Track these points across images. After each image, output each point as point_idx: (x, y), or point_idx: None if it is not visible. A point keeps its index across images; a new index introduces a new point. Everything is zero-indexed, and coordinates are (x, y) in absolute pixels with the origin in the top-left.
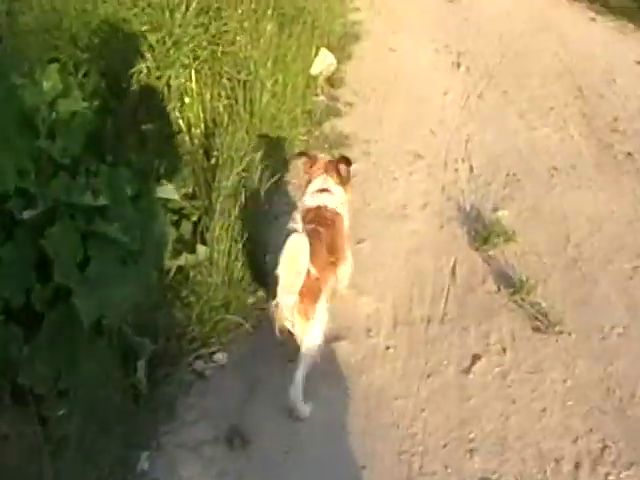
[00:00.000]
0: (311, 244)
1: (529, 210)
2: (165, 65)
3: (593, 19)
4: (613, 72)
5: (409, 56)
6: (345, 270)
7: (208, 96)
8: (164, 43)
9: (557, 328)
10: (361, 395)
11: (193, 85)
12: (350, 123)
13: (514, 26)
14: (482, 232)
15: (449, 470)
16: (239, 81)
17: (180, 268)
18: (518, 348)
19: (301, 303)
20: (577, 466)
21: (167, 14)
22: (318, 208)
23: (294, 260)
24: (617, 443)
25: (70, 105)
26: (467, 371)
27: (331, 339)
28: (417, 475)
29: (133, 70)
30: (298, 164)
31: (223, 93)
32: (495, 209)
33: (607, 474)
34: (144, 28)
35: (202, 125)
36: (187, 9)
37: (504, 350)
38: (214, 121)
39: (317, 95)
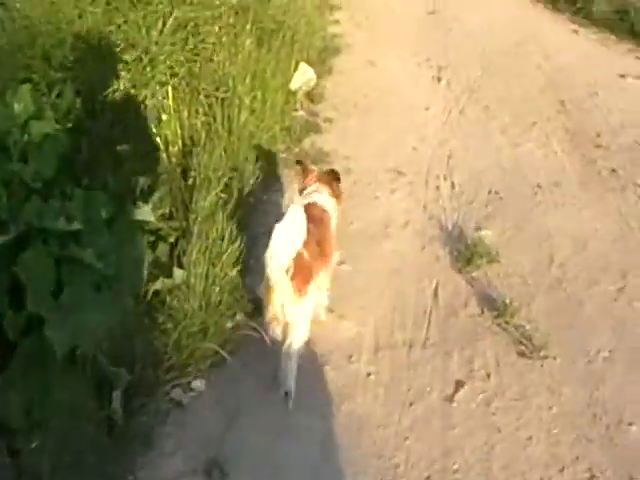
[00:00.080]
0: None
1: (512, 229)
2: (141, 83)
3: (575, 31)
4: (596, 85)
5: (390, 70)
6: (328, 274)
7: (185, 113)
8: (140, 60)
9: (542, 352)
10: (342, 424)
11: (170, 102)
12: (330, 139)
13: (496, 39)
14: (465, 253)
15: None
16: (217, 98)
17: (156, 292)
18: (502, 374)
19: (294, 280)
20: None
21: (143, 31)
22: (308, 205)
23: (291, 229)
24: (604, 472)
25: (42, 127)
26: (450, 398)
27: (312, 365)
28: None
29: (108, 90)
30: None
31: (201, 110)
32: (478, 228)
33: None
34: (120, 46)
35: (180, 142)
36: (164, 25)
37: (488, 376)
38: (192, 138)
39: (296, 110)
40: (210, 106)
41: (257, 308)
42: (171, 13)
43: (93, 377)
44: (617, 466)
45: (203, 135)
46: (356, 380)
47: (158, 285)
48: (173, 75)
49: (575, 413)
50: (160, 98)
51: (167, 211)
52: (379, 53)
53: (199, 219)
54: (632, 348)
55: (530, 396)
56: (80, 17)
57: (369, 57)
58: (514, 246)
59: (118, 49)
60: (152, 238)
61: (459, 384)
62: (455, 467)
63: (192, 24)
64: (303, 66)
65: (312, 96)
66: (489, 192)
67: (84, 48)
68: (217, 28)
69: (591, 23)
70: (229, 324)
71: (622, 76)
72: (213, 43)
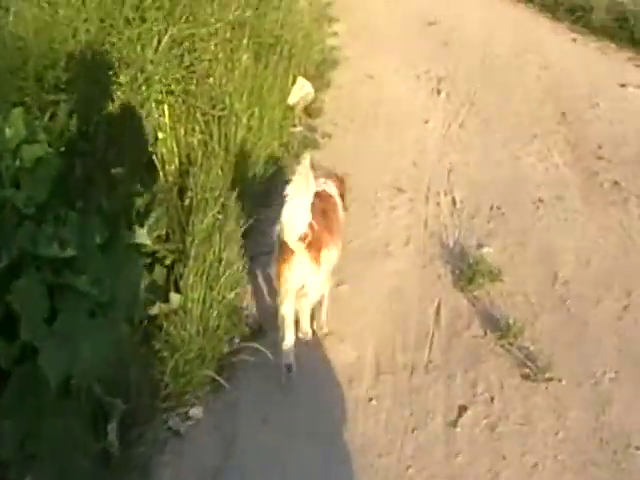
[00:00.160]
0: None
1: (514, 245)
2: (137, 102)
3: (575, 40)
4: (596, 96)
5: (389, 83)
6: (334, 257)
7: (182, 131)
8: (136, 80)
9: (546, 374)
10: (343, 453)
11: (167, 120)
12: (328, 155)
13: (495, 49)
14: (466, 271)
15: None
16: (213, 116)
17: (153, 317)
18: (506, 397)
19: (308, 250)
20: None
21: (139, 49)
22: (317, 192)
23: (302, 189)
24: None
25: (35, 151)
26: (454, 424)
27: (312, 391)
28: None
29: (103, 110)
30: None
31: (197, 128)
32: (479, 245)
33: None
34: (115, 65)
35: (176, 160)
36: (159, 43)
37: (492, 399)
38: (188, 157)
39: (294, 126)
40: (207, 123)
41: (255, 331)
42: (166, 30)
43: (88, 407)
44: None
45: (200, 154)
46: (357, 406)
47: (155, 310)
48: (169, 93)
49: (581, 438)
50: (156, 116)
51: (163, 233)
52: (378, 65)
53: (196, 241)
54: (638, 368)
55: (535, 420)
56: (74, 36)
57: (368, 70)
58: (517, 263)
59: (113, 68)
60: (148, 260)
61: (462, 409)
62: None
63: (188, 41)
64: (301, 80)
65: (310, 111)
66: (490, 207)
67: (78, 68)
68: (213, 45)
69: (590, 31)
70: (227, 349)
71: (623, 85)
72: (209, 60)
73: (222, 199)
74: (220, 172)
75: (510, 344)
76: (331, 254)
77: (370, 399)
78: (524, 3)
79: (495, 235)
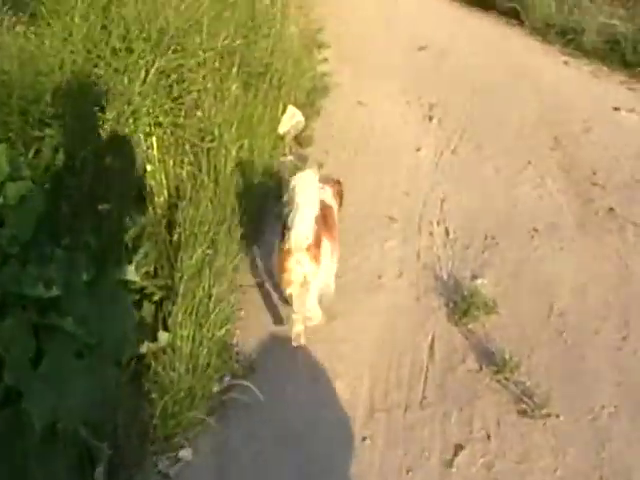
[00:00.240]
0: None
1: (509, 277)
2: (124, 136)
3: (566, 63)
4: (590, 120)
5: (380, 109)
6: (333, 262)
7: (171, 163)
8: (123, 112)
9: (544, 410)
10: None
11: (155, 152)
12: None
13: (486, 74)
14: (461, 304)
15: None
16: (203, 148)
17: (141, 356)
18: (503, 435)
19: (309, 250)
20: None
21: (126, 80)
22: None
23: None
24: None
25: (19, 189)
26: (449, 463)
27: (304, 431)
28: None
29: (89, 145)
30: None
31: (186, 160)
32: (474, 277)
33: None
34: (102, 98)
35: (165, 193)
36: (147, 74)
37: (488, 437)
38: (177, 189)
39: (285, 155)
40: (196, 155)
41: (246, 368)
42: (154, 62)
43: (75, 451)
44: None
45: (189, 186)
46: (350, 445)
47: (143, 349)
48: (157, 125)
49: (581, 476)
50: (145, 148)
51: (152, 269)
52: (368, 91)
53: (185, 278)
54: (638, 402)
55: (533, 458)
56: (60, 67)
57: (358, 96)
58: (512, 295)
59: (100, 101)
60: (137, 297)
61: (458, 447)
62: None
63: (176, 72)
64: (291, 109)
65: (301, 139)
66: (485, 237)
67: (64, 102)
68: (202, 75)
69: (582, 54)
70: (217, 387)
71: (616, 109)
72: (198, 90)
73: (211, 234)
74: (210, 205)
75: (506, 379)
76: (331, 255)
77: (364, 438)
78: (515, 26)
79: (490, 266)
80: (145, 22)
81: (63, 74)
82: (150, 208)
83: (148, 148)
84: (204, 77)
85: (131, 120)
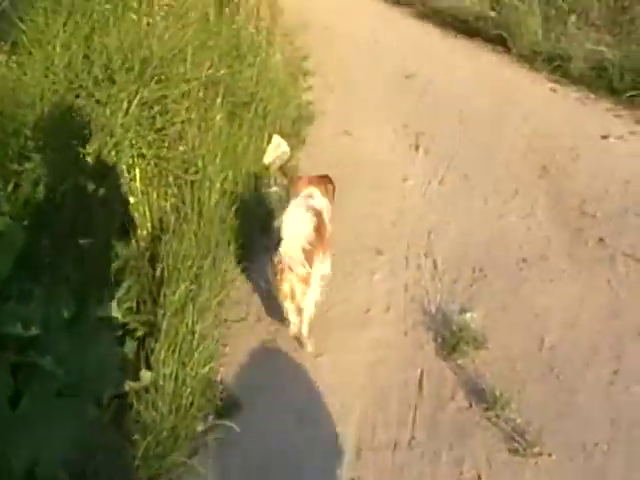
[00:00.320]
0: None
1: (499, 310)
2: (106, 168)
3: (554, 90)
4: (577, 148)
5: (365, 139)
6: (325, 269)
7: (154, 195)
8: (105, 144)
9: (536, 449)
10: None
11: (138, 184)
12: None
13: (474, 102)
14: (450, 339)
15: None
16: (186, 180)
17: (123, 395)
18: (494, 474)
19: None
20: None
21: (108, 112)
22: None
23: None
24: None
25: None
26: None
27: (290, 473)
28: None
29: (70, 179)
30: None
31: (170, 192)
32: (462, 310)
33: None
34: (83, 131)
35: (149, 225)
36: (129, 105)
37: (479, 477)
38: (161, 221)
39: (270, 187)
40: (179, 187)
41: (230, 406)
42: (137, 92)
43: None
44: None
45: (172, 219)
46: None
47: (125, 388)
48: (140, 156)
49: None
50: (127, 180)
51: (134, 304)
52: (354, 120)
53: (168, 314)
54: (632, 439)
55: None
56: (41, 99)
57: (344, 125)
58: (501, 329)
59: (81, 133)
60: (119, 333)
61: None
62: None
63: (160, 103)
64: (276, 139)
65: (286, 170)
66: (473, 270)
67: (44, 135)
68: (186, 106)
69: (569, 81)
70: (201, 427)
71: (604, 137)
72: (182, 121)
73: (195, 268)
74: (193, 238)
75: (497, 416)
76: (322, 265)
77: None
78: (501, 54)
79: (478, 299)
80: (128, 52)
81: (44, 105)
82: (133, 241)
83: (131, 180)
84: (188, 108)
85: (113, 152)
